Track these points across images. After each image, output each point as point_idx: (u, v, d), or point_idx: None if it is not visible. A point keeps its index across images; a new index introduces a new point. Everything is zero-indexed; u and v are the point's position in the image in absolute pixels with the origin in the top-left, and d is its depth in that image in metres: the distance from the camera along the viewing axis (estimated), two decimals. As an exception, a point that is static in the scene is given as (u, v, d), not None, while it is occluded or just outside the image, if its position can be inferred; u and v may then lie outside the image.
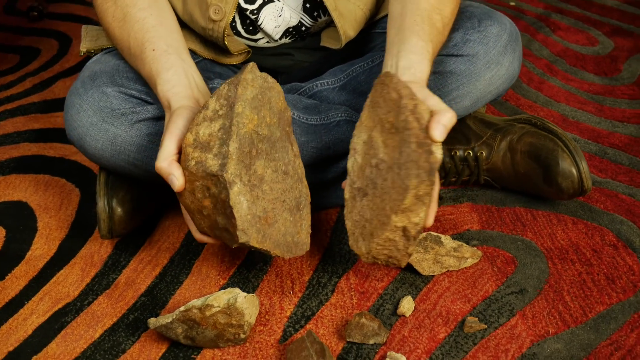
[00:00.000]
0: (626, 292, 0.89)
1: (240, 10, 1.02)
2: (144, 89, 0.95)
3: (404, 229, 0.77)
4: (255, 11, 1.01)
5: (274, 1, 1.01)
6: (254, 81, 0.80)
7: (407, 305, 0.87)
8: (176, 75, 0.85)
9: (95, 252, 1.02)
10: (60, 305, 0.92)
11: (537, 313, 0.87)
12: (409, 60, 0.85)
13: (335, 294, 0.91)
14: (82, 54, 1.06)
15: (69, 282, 0.96)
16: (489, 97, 1.06)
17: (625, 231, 0.99)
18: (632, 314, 0.86)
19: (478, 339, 0.83)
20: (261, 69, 0.85)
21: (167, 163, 0.78)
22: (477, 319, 0.86)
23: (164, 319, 0.82)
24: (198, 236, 0.84)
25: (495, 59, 1.02)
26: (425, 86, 0.84)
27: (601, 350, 0.81)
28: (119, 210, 0.97)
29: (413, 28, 0.88)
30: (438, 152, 0.75)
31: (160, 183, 1.00)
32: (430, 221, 0.79)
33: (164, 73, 0.86)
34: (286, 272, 0.96)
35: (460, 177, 1.07)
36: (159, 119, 0.94)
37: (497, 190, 1.09)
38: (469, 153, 1.06)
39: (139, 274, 0.97)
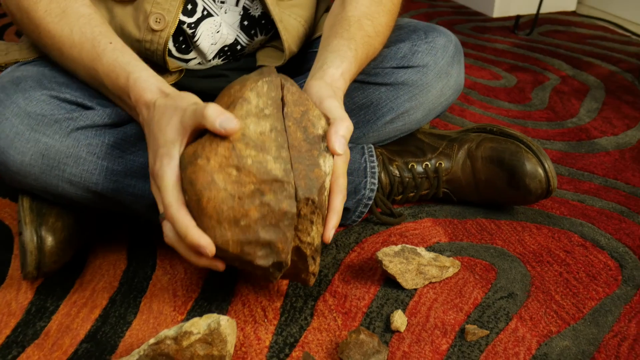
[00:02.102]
0: (610, 286, 0.87)
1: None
2: (80, 94, 0.82)
3: (297, 250, 0.70)
4: (193, 25, 0.93)
5: (212, 16, 0.93)
6: (292, 86, 0.71)
7: (399, 319, 0.79)
8: (150, 69, 0.75)
9: (12, 299, 0.84)
10: (-25, 364, 0.73)
11: (533, 314, 0.81)
12: (324, 58, 0.82)
13: (315, 317, 0.81)
14: (-3, 67, 0.90)
15: (-16, 335, 0.78)
16: (439, 110, 1.03)
17: (588, 232, 0.98)
18: (623, 306, 0.83)
19: (483, 346, 0.76)
20: (194, 93, 0.76)
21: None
22: (476, 326, 0.79)
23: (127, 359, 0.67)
24: (213, 250, 0.68)
25: (445, 70, 1.00)
26: (337, 84, 0.79)
27: (609, 342, 0.77)
28: (49, 239, 0.81)
29: (338, 31, 0.86)
30: (327, 165, 0.69)
31: (101, 207, 0.86)
32: (327, 236, 0.72)
33: (138, 62, 0.75)
34: (253, 300, 0.84)
35: (419, 192, 1.02)
36: (101, 127, 0.80)
37: (454, 204, 1.05)
38: (427, 165, 1.02)
39: (73, 319, 0.80)
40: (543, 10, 2.16)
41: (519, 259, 0.92)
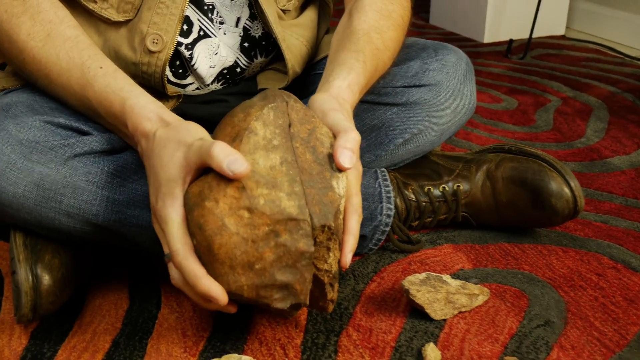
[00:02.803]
0: (651, 310, 0.82)
1: None
2: (75, 118, 0.75)
3: (314, 278, 0.65)
4: (190, 46, 0.87)
5: (209, 37, 0.88)
6: (300, 109, 0.66)
7: (432, 353, 0.72)
8: (146, 93, 0.69)
9: (5, 346, 0.76)
10: (-35, 420, 0.65)
11: (575, 343, 0.75)
12: (330, 71, 0.77)
13: (340, 354, 0.74)
14: (-26, 99, 0.84)
15: (-26, 387, 0.70)
16: (453, 130, 0.99)
17: (618, 254, 0.93)
18: (668, 331, 0.78)
19: (526, 379, 0.70)
20: (193, 119, 0.71)
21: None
22: (516, 357, 0.73)
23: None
24: (225, 299, 0.63)
25: (458, 88, 0.96)
26: (343, 95, 0.74)
27: (660, 371, 0.71)
28: (46, 278, 0.73)
29: (345, 44, 0.81)
30: (340, 187, 0.64)
31: (101, 241, 0.79)
32: (345, 261, 0.67)
33: (134, 87, 0.69)
34: (270, 337, 0.77)
35: (437, 217, 0.97)
36: (100, 154, 0.74)
37: (473, 229, 1.00)
38: (445, 188, 0.96)
39: (74, 365, 0.73)
40: (533, 35, 2.15)
41: (550, 284, 0.86)
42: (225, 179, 0.60)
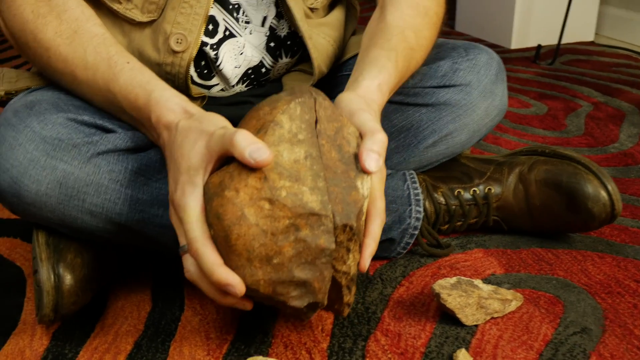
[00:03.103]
0: (693, 318, 0.78)
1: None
2: (99, 116, 0.74)
3: (332, 279, 0.63)
4: (215, 46, 0.86)
5: (235, 36, 0.87)
6: (327, 107, 0.64)
7: (464, 359, 0.69)
8: (170, 87, 0.68)
9: (26, 346, 0.75)
10: (-16, 421, 0.64)
11: (614, 351, 0.72)
12: (360, 70, 0.75)
13: (367, 359, 0.71)
14: (4, 98, 0.83)
15: (-6, 388, 0.68)
16: (484, 131, 0.96)
17: (656, 260, 0.90)
18: None
19: (564, 388, 0.67)
20: None
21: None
22: (552, 365, 0.70)
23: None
24: (242, 290, 0.61)
25: (489, 88, 0.93)
26: (372, 96, 0.72)
27: None
28: (68, 278, 0.72)
29: (377, 42, 0.79)
30: (364, 187, 0.62)
31: (124, 241, 0.78)
32: (363, 264, 0.65)
33: (158, 81, 0.68)
34: (296, 341, 0.75)
35: (467, 220, 0.94)
36: (124, 152, 0.73)
37: (504, 233, 0.97)
38: (475, 191, 0.93)
39: (95, 367, 0.71)
40: (561, 41, 2.11)
41: (586, 291, 0.83)
42: (247, 169, 0.58)
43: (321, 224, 0.58)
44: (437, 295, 0.76)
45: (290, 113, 0.61)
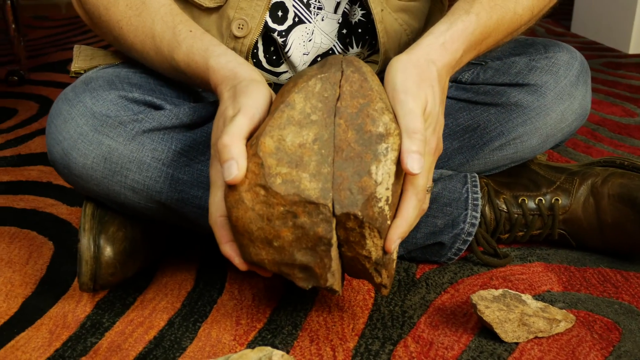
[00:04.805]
0: None
1: (265, 33, 0.86)
2: (151, 95, 0.76)
3: (357, 260, 0.62)
4: (284, 33, 0.85)
5: (304, 22, 0.85)
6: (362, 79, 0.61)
7: (493, 377, 0.65)
8: (231, 52, 0.69)
9: (70, 311, 0.78)
10: (17, 376, 0.68)
11: (668, 390, 0.65)
12: (433, 29, 0.68)
13: (392, 364, 0.69)
14: (72, 75, 0.87)
15: (32, 346, 0.72)
16: (559, 137, 0.89)
17: None
18: None
19: (599, 423, 0.61)
20: None
21: (233, 140, 0.57)
22: (591, 396, 0.63)
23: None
24: (243, 267, 0.64)
25: (567, 90, 0.86)
26: (432, 56, 0.65)
27: None
28: (107, 249, 0.74)
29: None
30: (379, 173, 0.59)
31: (166, 220, 0.79)
32: (388, 245, 0.61)
33: (217, 47, 0.69)
34: (323, 337, 0.73)
35: (529, 231, 0.88)
36: (169, 130, 0.74)
37: (572, 249, 0.90)
38: (541, 201, 0.87)
39: (127, 338, 0.73)
40: (689, 48, 1.94)
41: (651, 320, 0.75)
42: (252, 150, 0.58)
43: (319, 213, 0.57)
44: (474, 306, 0.71)
45: (307, 91, 0.59)
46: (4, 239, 0.95)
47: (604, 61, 1.86)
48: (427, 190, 0.66)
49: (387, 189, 0.59)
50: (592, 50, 1.97)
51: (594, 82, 1.66)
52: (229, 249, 0.63)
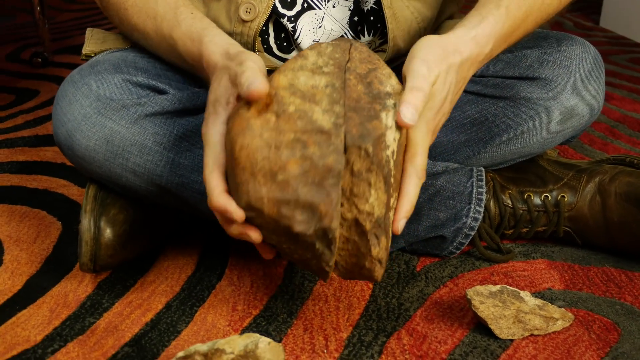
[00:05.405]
0: None
1: (276, 20, 0.85)
2: (155, 79, 0.77)
3: (356, 224, 0.58)
4: (293, 18, 0.85)
5: (313, 8, 0.85)
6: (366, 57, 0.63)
7: (484, 373, 0.64)
8: (227, 35, 0.70)
9: (71, 290, 0.80)
10: (15, 352, 0.69)
11: (662, 394, 0.64)
12: (463, 19, 0.69)
13: (383, 356, 0.68)
14: (83, 57, 0.88)
15: (32, 324, 0.73)
16: (569, 132, 0.88)
17: None
18: None
19: None
20: None
21: (255, 69, 0.59)
22: (582, 396, 0.63)
23: (154, 369, 0.59)
24: (239, 214, 0.58)
25: (579, 85, 0.85)
26: (461, 47, 0.66)
27: None
28: (107, 231, 0.76)
29: None
30: (389, 120, 0.58)
31: (167, 204, 0.80)
32: (396, 226, 0.60)
33: (214, 29, 0.70)
34: (317, 326, 0.73)
35: (534, 228, 0.87)
36: (171, 115, 0.75)
37: (577, 246, 0.88)
38: (547, 197, 0.86)
39: (124, 319, 0.74)
40: None
41: (653, 322, 0.74)
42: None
43: (330, 144, 0.55)
44: (469, 301, 0.71)
45: (320, 50, 0.61)
46: (15, 217, 0.97)
47: (630, 57, 1.82)
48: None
49: (395, 139, 0.58)
50: (619, 46, 1.93)
51: (619, 78, 1.63)
52: (223, 199, 0.58)
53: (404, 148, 0.63)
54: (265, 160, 0.56)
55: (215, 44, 0.67)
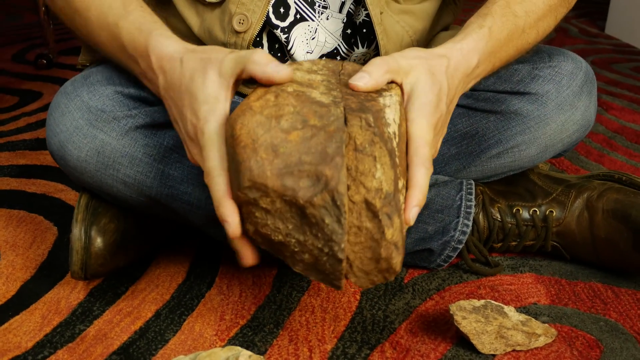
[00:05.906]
0: None
1: (270, 32, 0.86)
2: (147, 90, 0.78)
3: (366, 205, 0.55)
4: (286, 29, 0.86)
5: (306, 20, 0.86)
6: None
7: (463, 389, 0.65)
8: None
9: (64, 297, 0.81)
10: (5, 359, 0.70)
11: (640, 413, 0.64)
12: (448, 41, 0.70)
13: (366, 369, 0.69)
14: (79, 67, 0.90)
15: (24, 330, 0.75)
16: (559, 147, 0.88)
17: None
18: None
19: None
20: None
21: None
22: (559, 414, 0.63)
23: (138, 380, 0.60)
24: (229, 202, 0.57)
25: (569, 101, 0.85)
26: (449, 55, 0.67)
27: None
28: (98, 240, 0.77)
29: (477, 13, 0.74)
30: (386, 99, 0.61)
31: (158, 214, 0.82)
32: (408, 215, 0.58)
33: (163, 26, 0.69)
34: (303, 337, 0.74)
35: (522, 242, 0.87)
36: (161, 126, 0.76)
37: (565, 261, 0.89)
38: (535, 212, 0.86)
39: (113, 327, 0.76)
40: None
41: (635, 339, 0.74)
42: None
43: (331, 114, 0.56)
44: (452, 316, 0.72)
45: (314, 60, 0.65)
46: (12, 222, 0.98)
47: (633, 65, 1.82)
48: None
49: (394, 121, 0.58)
50: (623, 54, 1.92)
51: (620, 87, 1.63)
52: (229, 208, 0.57)
53: (405, 139, 0.62)
54: (266, 134, 0.55)
55: (169, 38, 0.66)
